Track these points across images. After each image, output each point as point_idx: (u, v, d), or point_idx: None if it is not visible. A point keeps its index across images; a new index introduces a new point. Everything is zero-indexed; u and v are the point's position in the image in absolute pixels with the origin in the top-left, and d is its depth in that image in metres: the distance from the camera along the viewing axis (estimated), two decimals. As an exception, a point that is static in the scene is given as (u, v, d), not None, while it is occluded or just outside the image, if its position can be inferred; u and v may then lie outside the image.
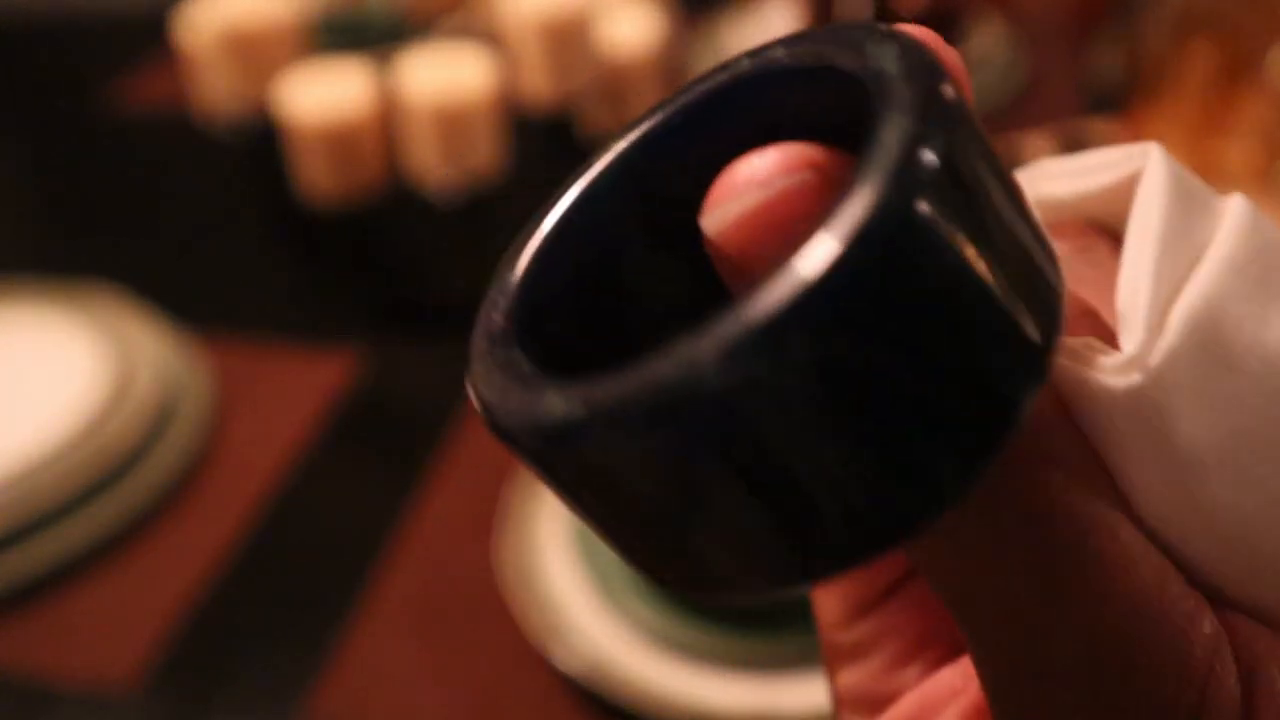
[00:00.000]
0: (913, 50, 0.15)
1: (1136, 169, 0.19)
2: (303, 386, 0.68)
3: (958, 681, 0.20)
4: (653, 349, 0.14)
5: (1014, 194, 0.16)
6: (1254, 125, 0.69)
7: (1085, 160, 0.19)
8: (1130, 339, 0.17)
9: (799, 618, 0.49)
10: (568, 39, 0.67)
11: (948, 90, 0.15)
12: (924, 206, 0.14)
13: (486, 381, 0.16)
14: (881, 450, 0.14)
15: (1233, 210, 0.18)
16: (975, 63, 0.88)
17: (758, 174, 0.15)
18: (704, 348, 0.13)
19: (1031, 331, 0.15)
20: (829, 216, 0.14)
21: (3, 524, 0.56)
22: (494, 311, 0.17)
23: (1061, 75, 0.90)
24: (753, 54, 0.18)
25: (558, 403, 0.14)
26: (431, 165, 0.67)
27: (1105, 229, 0.20)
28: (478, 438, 0.63)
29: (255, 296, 0.77)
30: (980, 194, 0.15)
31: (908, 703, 0.21)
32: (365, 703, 0.50)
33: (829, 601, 0.23)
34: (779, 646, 0.48)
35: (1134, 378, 0.16)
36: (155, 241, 0.84)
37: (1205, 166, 0.70)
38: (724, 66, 0.18)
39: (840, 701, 0.22)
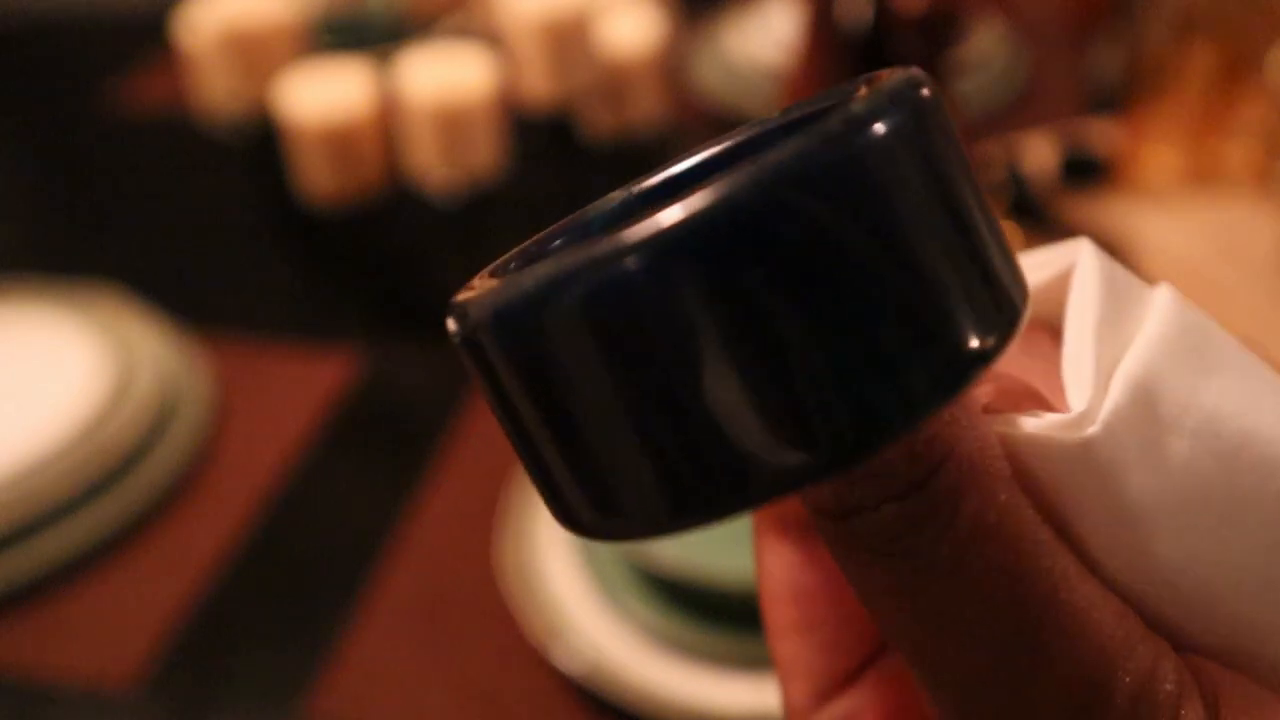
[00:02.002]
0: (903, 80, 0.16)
1: (1068, 264, 0.20)
2: (303, 386, 0.68)
3: None
4: None
5: (976, 191, 0.16)
6: (1254, 125, 0.69)
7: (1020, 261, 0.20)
8: (1079, 400, 0.18)
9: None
10: (568, 39, 0.67)
11: (924, 91, 0.15)
12: (846, 155, 0.14)
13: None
14: (757, 390, 0.14)
15: (1160, 296, 0.19)
16: (975, 63, 0.88)
17: None
18: (618, 237, 0.14)
19: (960, 322, 0.15)
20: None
21: (4, 523, 0.56)
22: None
23: (1061, 75, 0.90)
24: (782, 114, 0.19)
25: (495, 287, 0.15)
26: (431, 165, 0.67)
27: (1045, 324, 0.20)
28: (478, 437, 0.63)
29: (255, 296, 0.77)
30: (935, 170, 0.15)
31: None
32: (365, 702, 0.50)
33: (797, 684, 0.22)
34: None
35: (1086, 430, 0.17)
36: (156, 241, 0.84)
37: (1205, 166, 0.70)
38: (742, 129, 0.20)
39: None
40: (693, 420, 0.15)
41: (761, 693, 0.47)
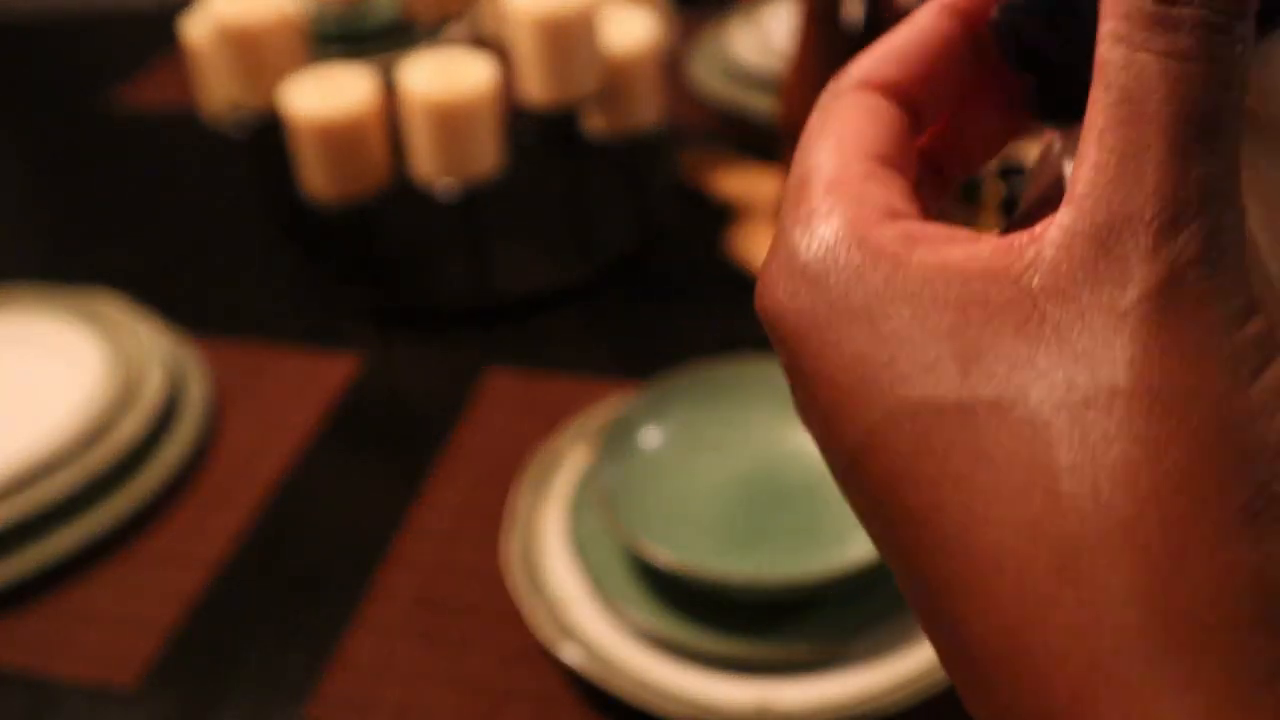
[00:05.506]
0: None
1: None
2: (305, 386, 0.68)
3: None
4: None
5: None
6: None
7: None
8: None
9: (799, 618, 0.49)
10: (568, 39, 0.67)
11: None
12: None
13: None
14: None
15: None
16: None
17: None
18: None
19: None
20: None
21: (8, 523, 0.56)
22: None
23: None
24: None
25: None
26: (432, 165, 0.67)
27: None
28: (482, 436, 0.63)
29: (257, 297, 0.77)
30: None
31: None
32: (368, 700, 0.50)
33: (846, 145, 0.23)
34: (779, 647, 0.48)
35: None
36: (158, 241, 0.84)
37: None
38: None
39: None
40: None
41: (762, 692, 0.47)
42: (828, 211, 0.21)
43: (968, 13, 0.23)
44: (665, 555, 0.49)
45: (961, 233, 0.21)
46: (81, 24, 1.20)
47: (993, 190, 0.69)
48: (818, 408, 0.21)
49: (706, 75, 0.91)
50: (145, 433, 0.61)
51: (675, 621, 0.49)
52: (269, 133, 0.72)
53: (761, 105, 0.85)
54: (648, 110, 0.74)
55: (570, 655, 0.49)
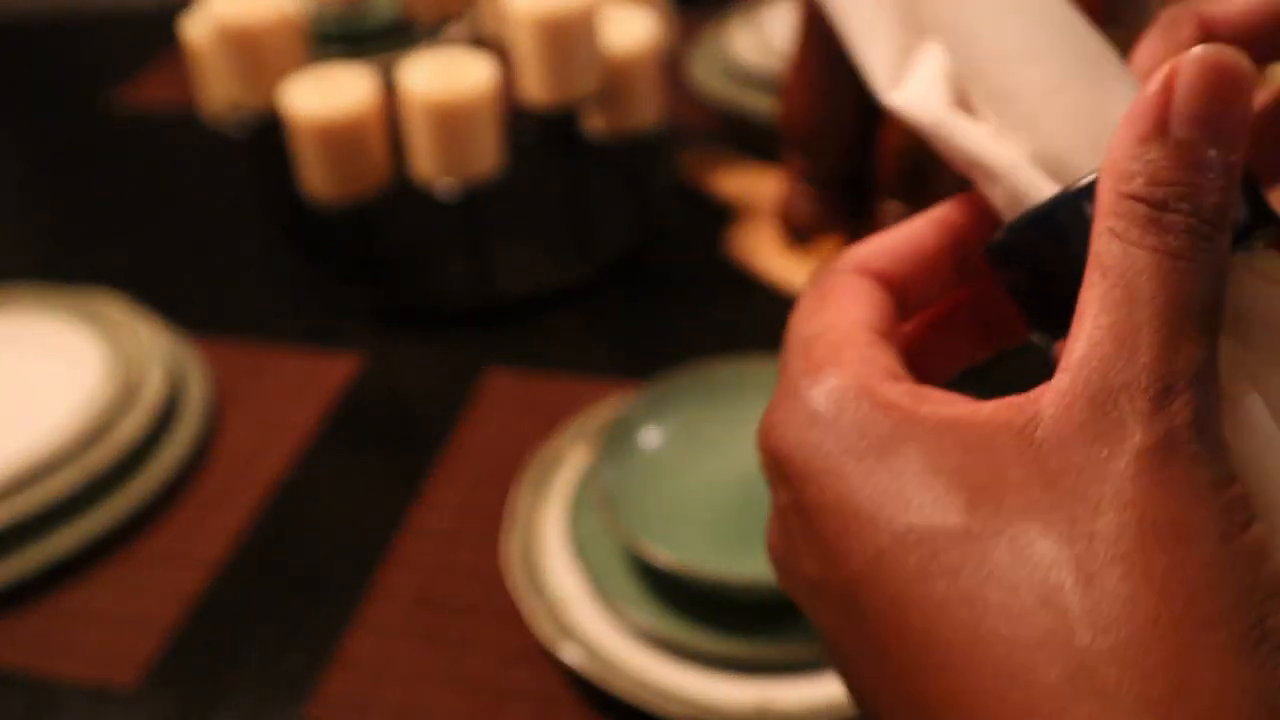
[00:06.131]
0: None
1: None
2: (305, 386, 0.68)
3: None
4: None
5: None
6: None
7: None
8: None
9: (799, 618, 0.49)
10: (568, 39, 0.67)
11: None
12: None
13: None
14: None
15: None
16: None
17: None
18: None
19: None
20: None
21: (8, 523, 0.56)
22: None
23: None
24: None
25: None
26: (432, 165, 0.67)
27: None
28: (482, 436, 0.63)
29: (257, 297, 0.77)
30: None
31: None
32: (368, 700, 0.50)
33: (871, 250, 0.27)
34: (779, 647, 0.48)
35: None
36: (158, 241, 0.84)
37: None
38: None
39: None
40: None
41: (762, 692, 0.47)
42: (837, 366, 0.23)
43: (955, 229, 0.27)
44: (665, 555, 0.49)
45: (961, 397, 0.23)
46: (81, 24, 1.20)
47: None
48: (818, 539, 0.22)
49: (706, 75, 0.91)
50: (145, 433, 0.61)
51: (675, 621, 0.49)
52: (269, 133, 0.72)
53: (761, 105, 0.85)
54: (648, 110, 0.74)
55: (570, 655, 0.49)
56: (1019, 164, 0.24)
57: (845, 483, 0.22)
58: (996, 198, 0.25)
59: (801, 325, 0.25)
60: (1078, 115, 0.24)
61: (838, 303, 0.25)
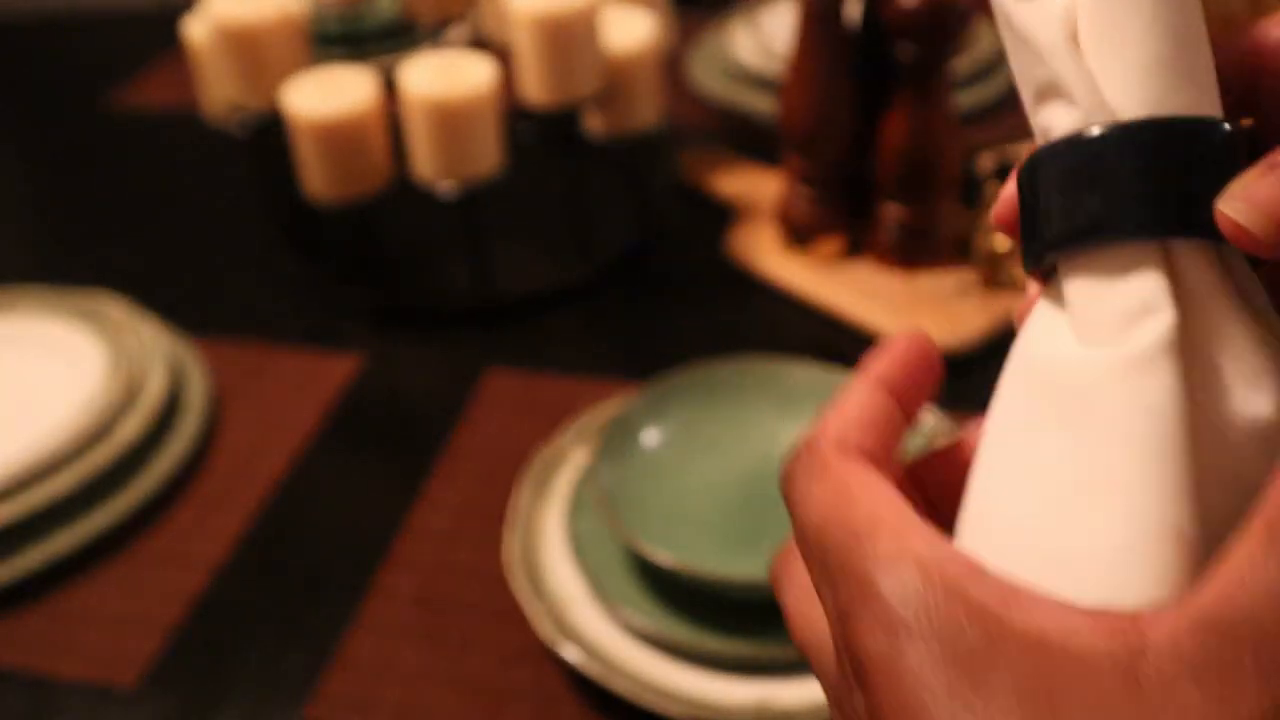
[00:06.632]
0: None
1: None
2: (306, 386, 0.68)
3: None
4: None
5: None
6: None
7: None
8: None
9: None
10: (568, 39, 0.67)
11: None
12: None
13: None
14: None
15: None
16: (974, 65, 0.88)
17: None
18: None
19: None
20: None
21: (8, 523, 0.56)
22: None
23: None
24: None
25: None
26: (433, 165, 0.67)
27: None
28: (482, 436, 0.63)
29: (257, 297, 0.77)
30: None
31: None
32: (368, 700, 0.50)
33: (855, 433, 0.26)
34: (779, 647, 0.48)
35: None
36: (158, 241, 0.84)
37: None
38: None
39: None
40: None
41: (762, 692, 0.47)
42: (911, 560, 0.22)
43: (895, 383, 0.27)
44: (665, 555, 0.49)
45: (1049, 600, 0.22)
46: (81, 24, 1.20)
47: (992, 191, 0.70)
48: None
49: (706, 75, 0.92)
50: (146, 433, 0.61)
51: (675, 621, 0.49)
52: (269, 133, 0.72)
53: (761, 105, 0.85)
54: (648, 110, 0.74)
55: (570, 655, 0.49)
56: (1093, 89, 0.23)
57: (930, 695, 0.21)
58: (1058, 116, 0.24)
59: (839, 511, 0.24)
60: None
61: (861, 481, 0.24)
